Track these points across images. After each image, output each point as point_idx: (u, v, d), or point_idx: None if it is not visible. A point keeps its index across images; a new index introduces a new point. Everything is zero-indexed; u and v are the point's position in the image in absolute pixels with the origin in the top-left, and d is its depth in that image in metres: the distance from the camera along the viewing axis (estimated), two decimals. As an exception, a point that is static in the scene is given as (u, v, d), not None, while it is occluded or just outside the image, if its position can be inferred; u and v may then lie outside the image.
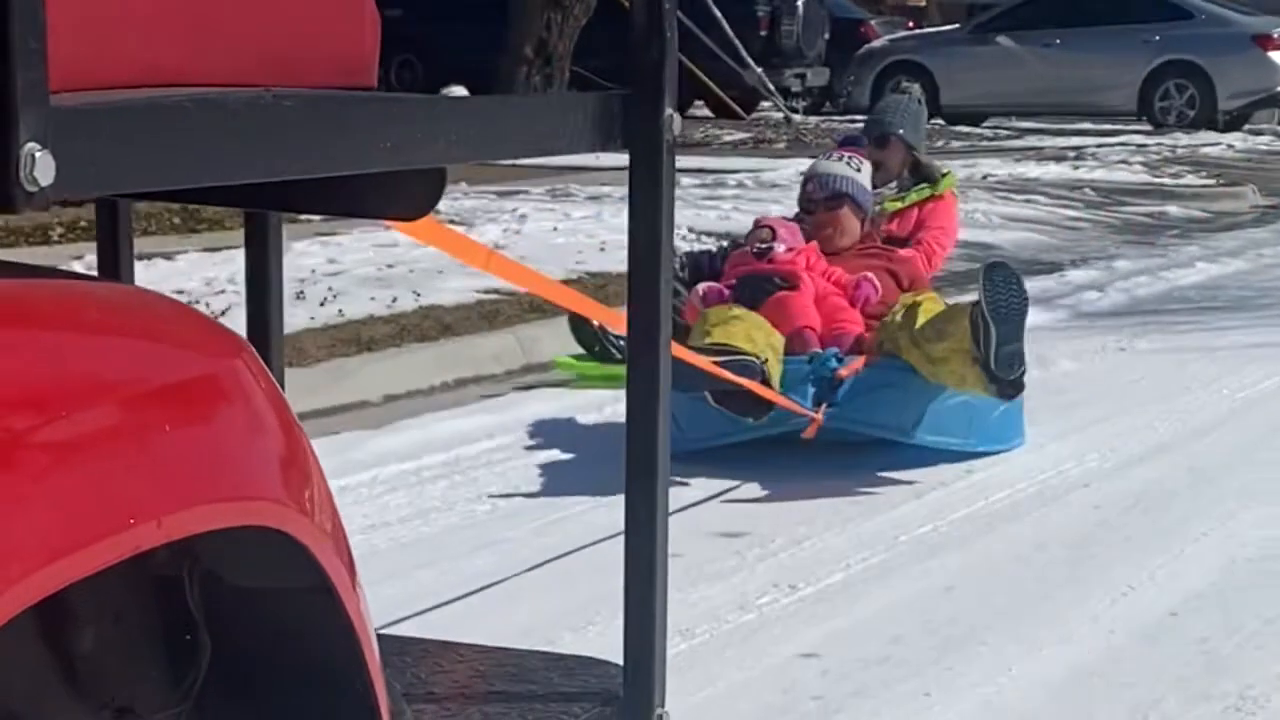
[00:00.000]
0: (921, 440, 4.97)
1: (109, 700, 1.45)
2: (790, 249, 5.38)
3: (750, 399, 4.69)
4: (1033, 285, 8.45)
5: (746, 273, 5.33)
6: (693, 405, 4.76)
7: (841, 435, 4.89)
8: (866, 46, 20.67)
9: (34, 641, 1.38)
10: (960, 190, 12.62)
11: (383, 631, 1.65)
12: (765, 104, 19.90)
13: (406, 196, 1.92)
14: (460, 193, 11.34)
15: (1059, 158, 15.09)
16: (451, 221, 10.06)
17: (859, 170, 5.63)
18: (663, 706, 2.19)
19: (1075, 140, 16.99)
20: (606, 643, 3.37)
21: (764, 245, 5.38)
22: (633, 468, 2.17)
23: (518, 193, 11.37)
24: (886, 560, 4.17)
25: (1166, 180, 13.78)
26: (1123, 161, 14.88)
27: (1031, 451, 5.20)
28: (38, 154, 1.23)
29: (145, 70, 1.51)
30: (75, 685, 1.42)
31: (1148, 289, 8.64)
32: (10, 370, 1.20)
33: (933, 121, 19.36)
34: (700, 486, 4.76)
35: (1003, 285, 4.74)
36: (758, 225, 5.61)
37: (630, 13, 2.10)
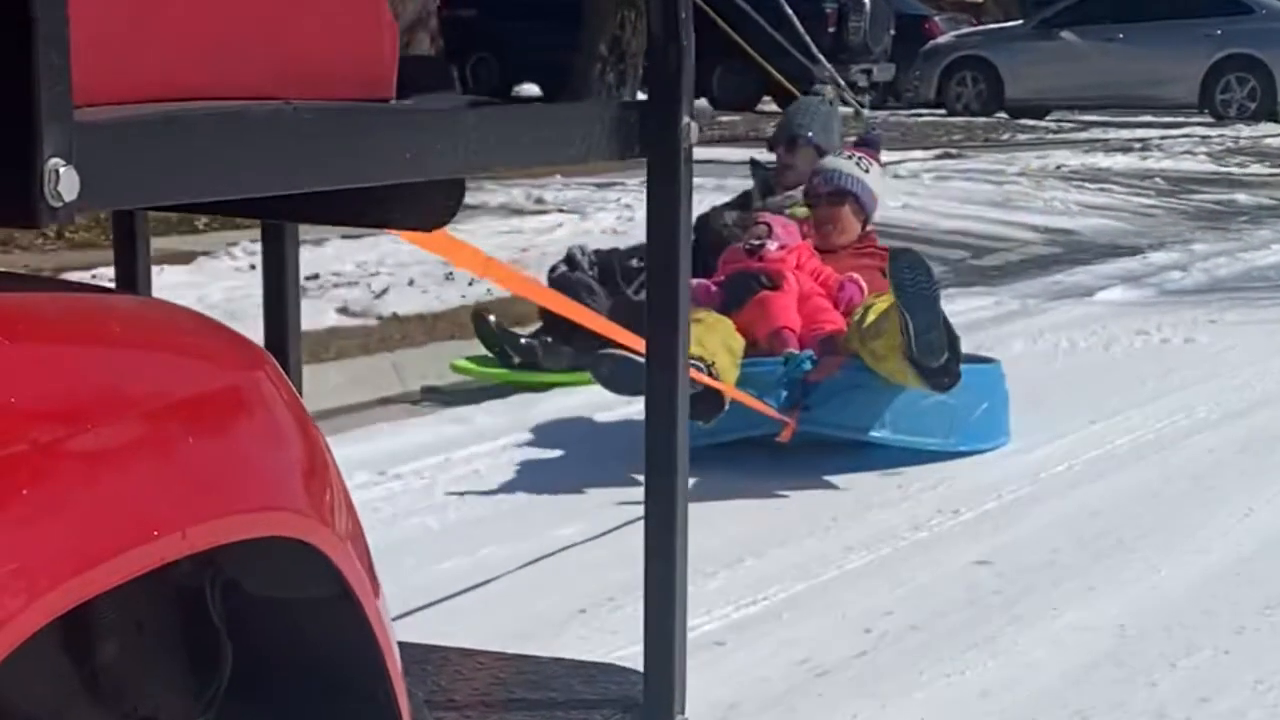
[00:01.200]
0: (898, 441, 4.96)
1: (131, 710, 1.46)
2: (782, 247, 5.35)
3: (699, 402, 4.59)
4: (1117, 266, 9.12)
5: (735, 270, 5.33)
6: None
7: (818, 438, 4.91)
8: (932, 42, 21.19)
9: (57, 652, 1.39)
10: (1036, 180, 13.22)
11: (404, 640, 1.71)
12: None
13: (426, 207, 1.94)
14: (560, 184, 11.93)
15: (1126, 149, 15.60)
16: (561, 210, 10.67)
17: (867, 171, 5.66)
18: (683, 713, 2.20)
19: (1140, 132, 17.49)
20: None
21: (756, 243, 5.38)
22: (651, 471, 2.19)
23: (615, 184, 11.94)
24: (1033, 491, 4.76)
25: (1233, 169, 14.26)
26: (1188, 152, 15.37)
27: (1148, 404, 5.75)
28: (62, 169, 1.24)
29: (167, 85, 1.52)
30: (98, 695, 1.44)
31: (1228, 269, 9.14)
32: (34, 384, 1.21)
33: (997, 115, 19.92)
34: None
35: (908, 271, 4.67)
36: (756, 222, 5.57)
37: (647, 22, 2.12)
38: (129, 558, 1.22)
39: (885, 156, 14.77)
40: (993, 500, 4.66)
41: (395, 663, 1.56)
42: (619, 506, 4.48)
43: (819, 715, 3.21)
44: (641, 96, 3.09)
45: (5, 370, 1.20)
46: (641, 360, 4.39)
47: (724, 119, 19.04)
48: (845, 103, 19.38)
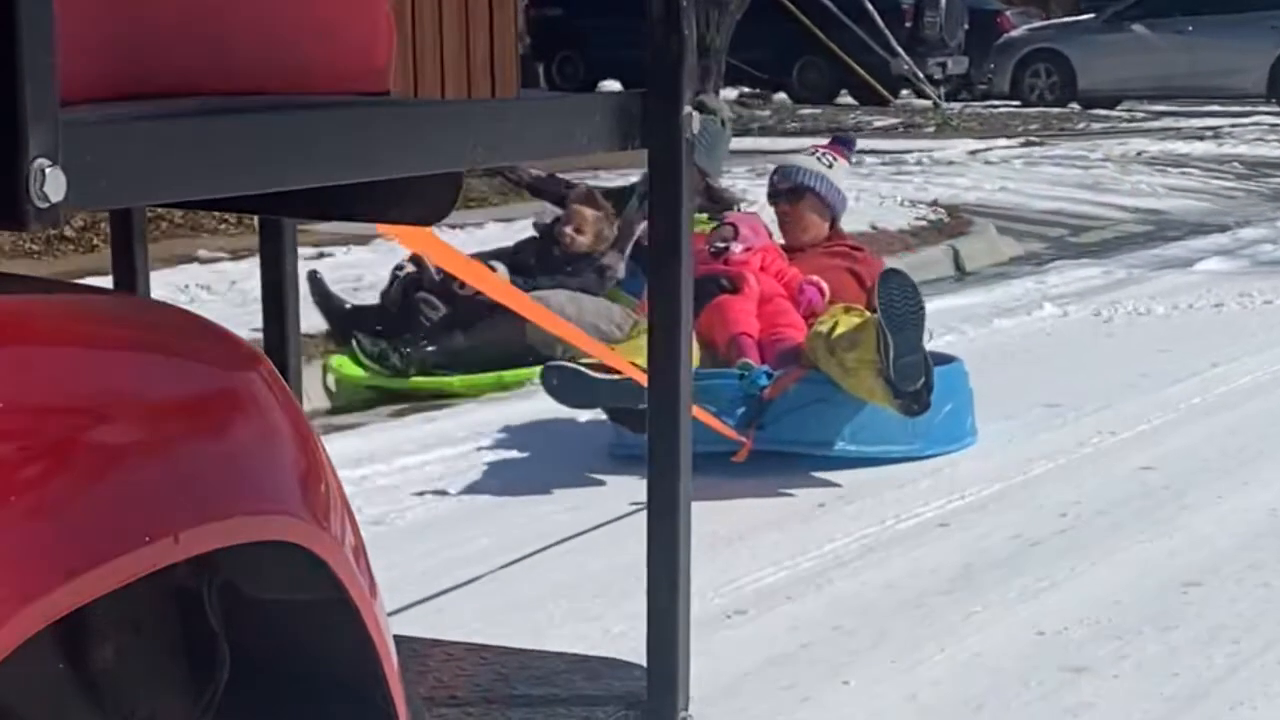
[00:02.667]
0: (861, 454, 4.90)
1: (129, 714, 1.45)
2: (748, 249, 5.30)
3: (643, 415, 4.78)
4: (1209, 241, 9.92)
5: (699, 273, 5.03)
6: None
7: (779, 452, 4.85)
8: (1006, 36, 21.91)
9: (54, 655, 1.38)
10: (1120, 165, 13.97)
11: (406, 634, 1.71)
12: (905, 91, 21.15)
13: (423, 201, 1.91)
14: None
15: (1200, 136, 16.32)
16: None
17: (829, 167, 5.55)
18: (686, 710, 2.18)
19: (1210, 121, 18.17)
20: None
21: (721, 244, 5.36)
22: (654, 467, 2.16)
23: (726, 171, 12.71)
24: (1177, 417, 5.58)
25: (1305, 155, 15.03)
26: (1259, 139, 16.01)
27: (1261, 351, 6.49)
28: (48, 170, 1.21)
29: (159, 80, 1.49)
30: (95, 699, 1.42)
31: (1317, 243, 9.93)
32: (25, 386, 1.20)
33: (1070, 106, 20.63)
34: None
35: (898, 292, 4.62)
36: (723, 222, 5.54)
37: (647, 10, 2.09)
38: (122, 563, 1.21)
39: (970, 145, 15.53)
40: (1144, 424, 5.48)
41: (393, 665, 1.56)
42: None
43: (1041, 570, 4.03)
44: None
45: None
46: (590, 374, 4.57)
47: (804, 112, 19.74)
48: (921, 95, 20.13)
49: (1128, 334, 7.13)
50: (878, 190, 11.12)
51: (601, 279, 6.43)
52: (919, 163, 13.68)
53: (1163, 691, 3.28)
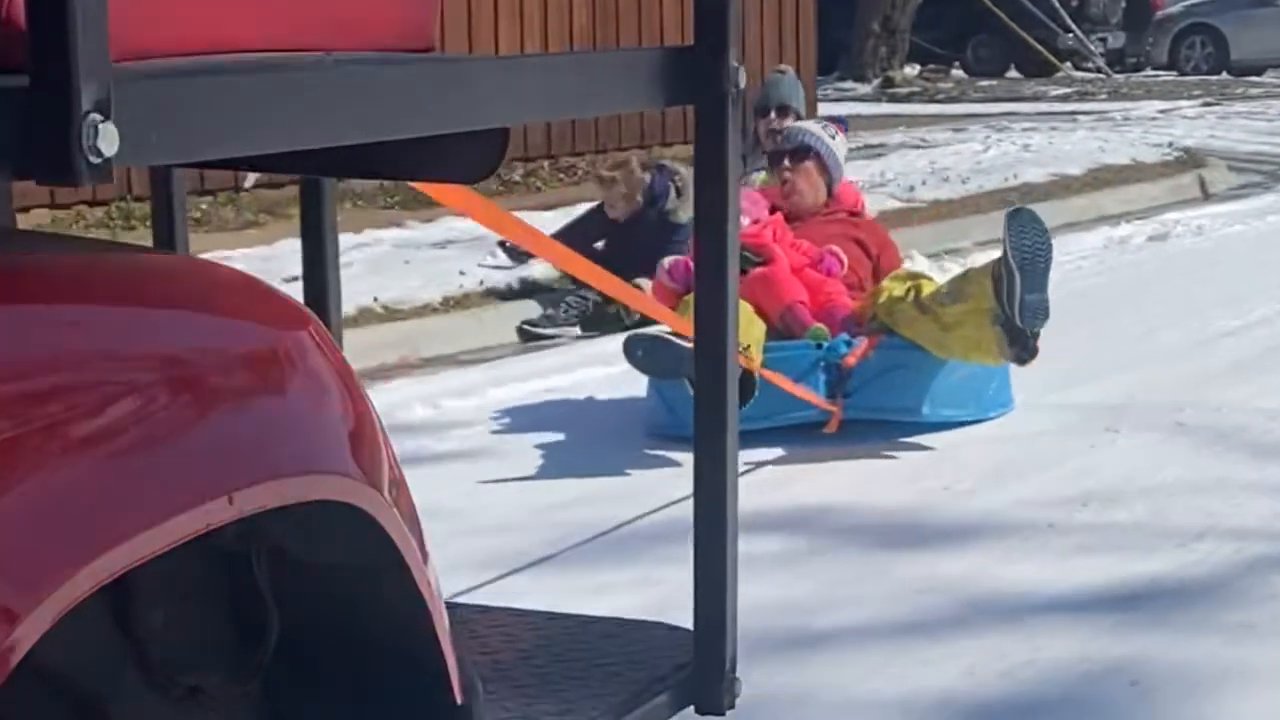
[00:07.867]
0: (938, 416, 4.96)
1: (179, 678, 1.46)
2: (755, 221, 5.23)
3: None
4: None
5: None
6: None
7: (860, 418, 4.86)
8: (1164, 11, 23.60)
9: (105, 621, 1.39)
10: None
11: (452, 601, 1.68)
12: (1064, 64, 23.41)
13: (467, 159, 1.90)
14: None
15: (1354, 95, 17.96)
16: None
17: (833, 136, 5.56)
18: (734, 673, 2.16)
19: (1355, 83, 20.03)
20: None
21: None
22: (701, 429, 2.13)
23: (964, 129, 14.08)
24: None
25: None
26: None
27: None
28: (100, 124, 1.22)
29: (206, 37, 1.51)
30: (145, 664, 1.44)
31: None
32: (79, 345, 1.22)
33: (1221, 74, 22.96)
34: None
35: (1028, 230, 4.61)
36: None
37: None
38: (176, 523, 1.23)
39: (1157, 105, 16.99)
40: (1258, 308, 6.79)
41: (445, 628, 1.55)
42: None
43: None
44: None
45: (50, 330, 1.21)
46: (678, 342, 4.42)
47: (982, 84, 20.56)
48: (1079, 68, 22.12)
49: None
50: (1107, 138, 13.08)
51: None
52: (1126, 119, 15.22)
53: None
